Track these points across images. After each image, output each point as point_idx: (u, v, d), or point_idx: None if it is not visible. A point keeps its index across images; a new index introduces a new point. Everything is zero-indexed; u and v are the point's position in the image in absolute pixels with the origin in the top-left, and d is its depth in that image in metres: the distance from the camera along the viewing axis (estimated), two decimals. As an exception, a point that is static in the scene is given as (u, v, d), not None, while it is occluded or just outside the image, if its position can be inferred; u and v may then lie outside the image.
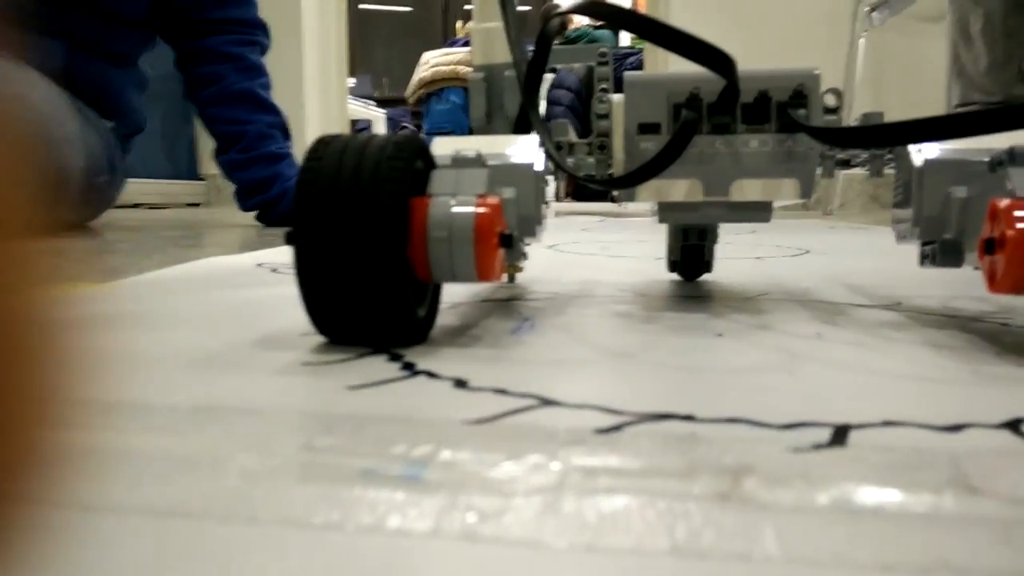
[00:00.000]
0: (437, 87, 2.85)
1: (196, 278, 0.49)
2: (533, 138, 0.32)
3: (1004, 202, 0.24)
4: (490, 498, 0.15)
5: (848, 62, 1.53)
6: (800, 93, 0.30)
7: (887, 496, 0.15)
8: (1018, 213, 0.23)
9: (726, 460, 0.17)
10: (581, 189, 2.40)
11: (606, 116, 0.33)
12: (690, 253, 0.44)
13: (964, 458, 0.17)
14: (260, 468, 0.17)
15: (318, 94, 2.05)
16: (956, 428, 0.19)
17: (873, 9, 1.48)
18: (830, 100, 0.31)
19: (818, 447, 0.18)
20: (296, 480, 0.16)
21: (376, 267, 0.25)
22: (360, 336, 0.27)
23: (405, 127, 4.02)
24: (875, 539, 0.13)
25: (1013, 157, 0.25)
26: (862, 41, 1.53)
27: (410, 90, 2.93)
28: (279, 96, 1.16)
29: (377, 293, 0.26)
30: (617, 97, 0.33)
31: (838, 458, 0.17)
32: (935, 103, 1.25)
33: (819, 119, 0.31)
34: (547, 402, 0.22)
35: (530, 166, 0.31)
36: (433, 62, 2.86)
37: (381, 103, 3.45)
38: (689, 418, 0.20)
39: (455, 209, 0.26)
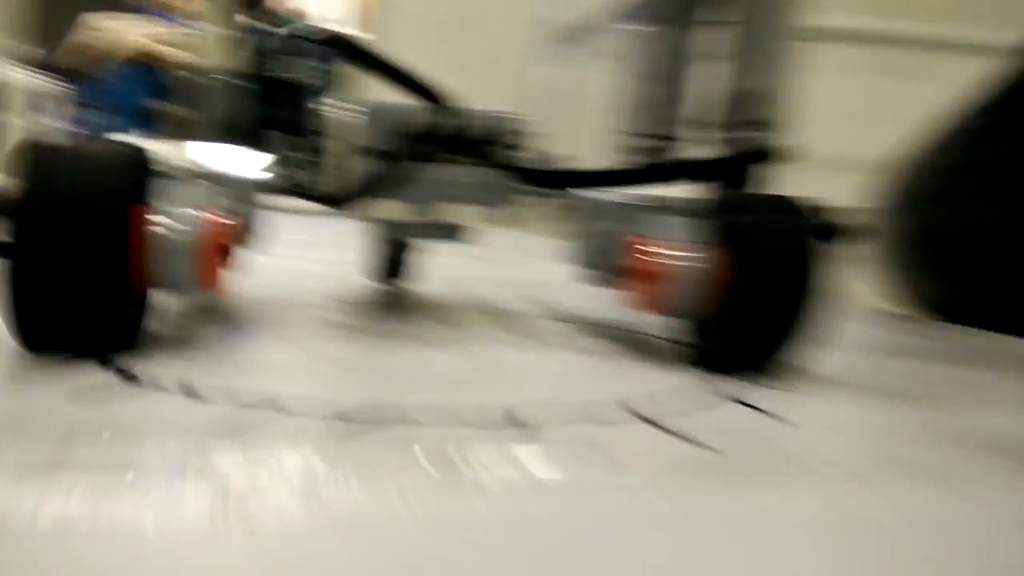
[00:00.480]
0: (113, 60, 2.54)
1: None
2: (256, 151, 0.34)
3: (632, 239, 0.30)
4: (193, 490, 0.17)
5: (529, 92, 1.71)
6: (500, 133, 0.35)
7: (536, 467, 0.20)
8: (639, 247, 0.29)
9: (417, 445, 0.21)
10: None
11: (322, 134, 0.36)
12: (392, 263, 0.48)
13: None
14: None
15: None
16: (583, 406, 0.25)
17: (555, 44, 1.66)
18: (525, 141, 0.36)
19: (496, 428, 0.23)
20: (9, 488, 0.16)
21: (90, 275, 0.24)
22: (72, 343, 0.26)
23: (89, 105, 3.51)
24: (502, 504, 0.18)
25: (652, 206, 0.32)
26: (542, 71, 1.71)
27: (75, 56, 2.58)
28: None
29: (90, 300, 0.25)
30: (334, 115, 0.36)
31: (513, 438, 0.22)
32: (597, 131, 1.42)
33: (513, 157, 0.35)
34: (256, 404, 0.23)
35: (253, 178, 0.32)
36: (113, 31, 2.54)
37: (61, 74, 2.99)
38: (382, 411, 0.23)
39: (178, 220, 0.26)
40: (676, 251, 0.29)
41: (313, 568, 0.14)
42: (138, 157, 0.26)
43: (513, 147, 0.35)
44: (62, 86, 3.32)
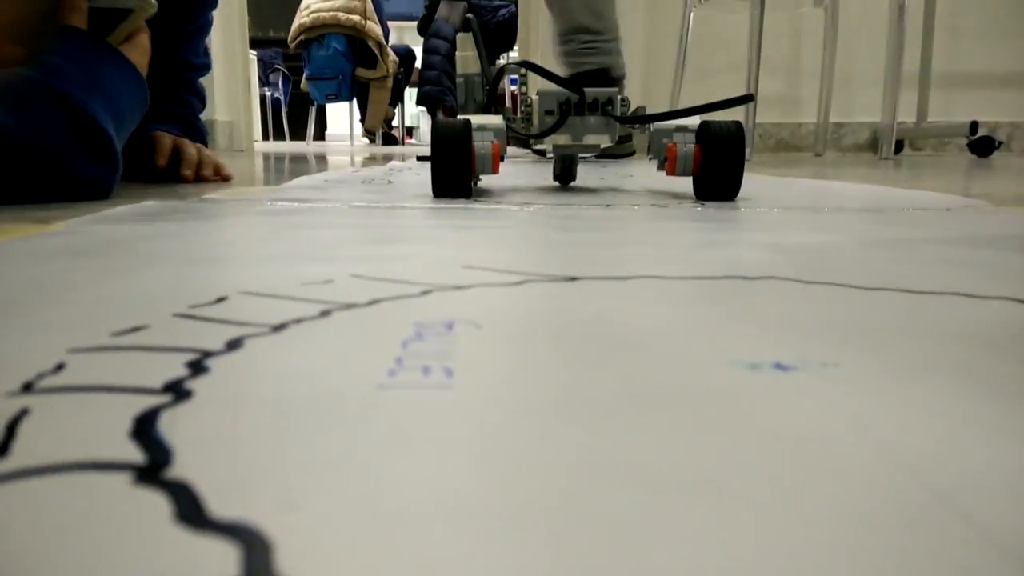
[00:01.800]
0: (318, 33, 2.77)
1: None
2: (499, 116, 0.65)
3: (670, 143, 0.61)
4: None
5: (682, 34, 1.93)
6: (610, 99, 0.65)
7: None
8: (671, 146, 0.61)
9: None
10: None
11: (529, 106, 0.67)
12: (565, 170, 0.81)
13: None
14: None
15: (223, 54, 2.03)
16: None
17: None
18: (622, 101, 0.67)
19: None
20: None
21: (460, 167, 0.61)
22: (454, 194, 0.61)
23: (278, 69, 3.90)
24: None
25: (678, 128, 0.62)
26: (692, 14, 1.92)
27: (291, 36, 2.83)
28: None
29: (460, 177, 0.61)
30: (534, 97, 0.66)
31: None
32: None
33: (618, 110, 0.66)
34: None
35: (503, 128, 0.63)
36: (313, 8, 2.76)
37: (257, 44, 3.31)
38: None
39: (483, 144, 0.61)
40: (681, 146, 0.61)
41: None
42: (468, 122, 0.59)
43: (617, 105, 0.66)
44: (277, 60, 3.63)
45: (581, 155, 0.71)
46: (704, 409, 0.14)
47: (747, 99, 0.62)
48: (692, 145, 0.60)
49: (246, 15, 2.14)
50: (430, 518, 0.10)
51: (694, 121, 0.62)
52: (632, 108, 0.68)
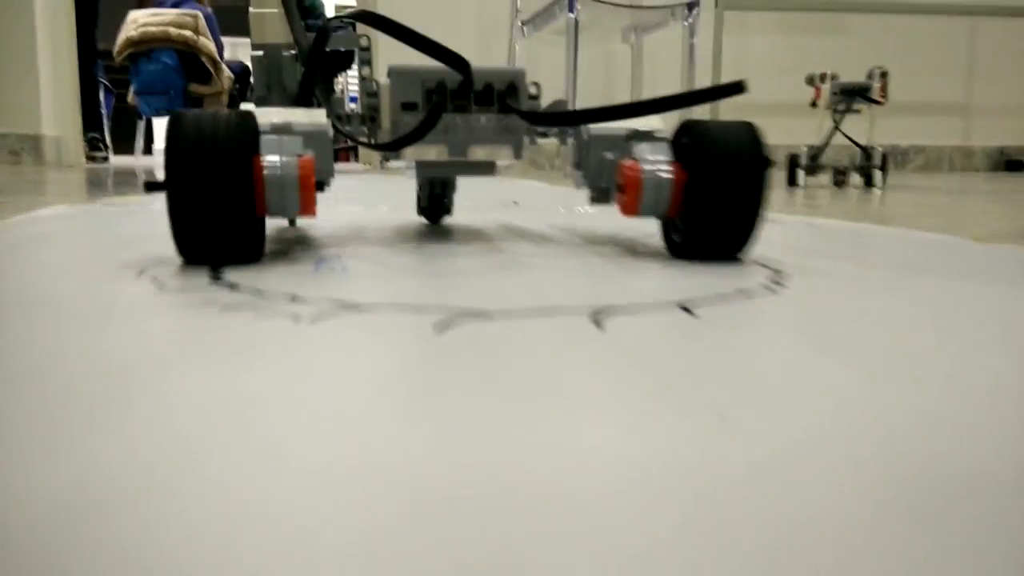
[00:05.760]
0: (146, 47, 2.72)
1: None
2: (321, 111, 0.40)
3: (626, 161, 0.39)
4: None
5: (508, 61, 2.14)
6: (513, 85, 0.41)
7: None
8: (631, 166, 0.38)
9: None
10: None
11: (375, 95, 0.43)
12: (435, 199, 0.57)
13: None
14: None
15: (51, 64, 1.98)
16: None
17: (524, 25, 2.10)
18: (532, 90, 0.43)
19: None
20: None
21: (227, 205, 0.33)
22: (217, 259, 0.35)
23: (101, 82, 3.76)
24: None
25: (635, 135, 0.41)
26: (517, 47, 2.13)
27: (117, 49, 2.76)
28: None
29: (228, 224, 0.34)
30: (383, 80, 0.42)
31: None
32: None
33: (525, 104, 0.42)
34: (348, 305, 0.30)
35: (325, 132, 0.39)
36: (142, 22, 2.71)
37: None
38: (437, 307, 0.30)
39: (285, 163, 0.35)
40: (649, 166, 0.38)
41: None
42: (247, 118, 0.34)
43: (529, 97, 0.42)
44: (99, 73, 3.51)
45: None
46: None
47: (737, 89, 0.36)
48: (667, 164, 0.38)
49: (74, 24, 2.09)
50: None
51: (654, 123, 0.41)
52: (546, 102, 0.45)
